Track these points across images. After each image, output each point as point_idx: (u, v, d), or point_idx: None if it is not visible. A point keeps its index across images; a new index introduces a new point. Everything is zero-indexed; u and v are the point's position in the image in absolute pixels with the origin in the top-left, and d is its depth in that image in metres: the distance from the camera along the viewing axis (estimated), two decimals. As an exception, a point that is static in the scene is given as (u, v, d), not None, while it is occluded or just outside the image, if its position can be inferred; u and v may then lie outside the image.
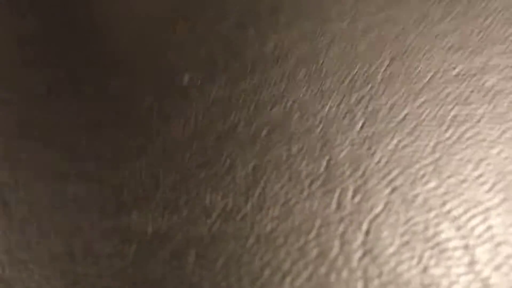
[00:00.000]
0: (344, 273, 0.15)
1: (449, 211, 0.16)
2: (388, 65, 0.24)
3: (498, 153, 0.18)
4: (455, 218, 0.16)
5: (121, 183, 0.18)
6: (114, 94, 0.23)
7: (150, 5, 0.29)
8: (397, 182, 0.18)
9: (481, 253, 0.15)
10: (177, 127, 0.21)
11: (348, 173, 0.18)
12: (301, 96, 0.22)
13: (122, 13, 0.29)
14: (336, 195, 0.17)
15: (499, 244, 0.15)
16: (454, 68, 0.23)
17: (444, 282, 0.14)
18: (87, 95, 0.22)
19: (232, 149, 0.19)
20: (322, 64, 0.24)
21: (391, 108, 0.21)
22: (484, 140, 0.19)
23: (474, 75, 0.22)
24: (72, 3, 0.29)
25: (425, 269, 0.15)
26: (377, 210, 0.17)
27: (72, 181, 0.18)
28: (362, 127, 0.20)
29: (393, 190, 0.17)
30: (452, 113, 0.20)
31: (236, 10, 0.29)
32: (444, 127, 0.20)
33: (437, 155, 0.19)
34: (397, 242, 0.15)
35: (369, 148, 0.19)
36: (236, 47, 0.26)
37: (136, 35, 0.27)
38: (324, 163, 0.19)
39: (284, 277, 0.15)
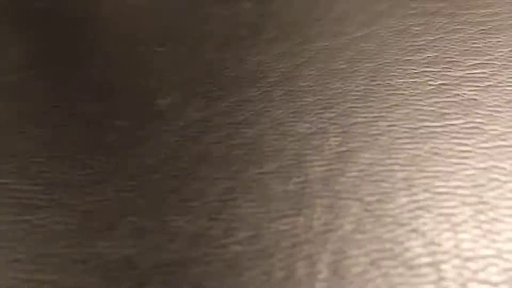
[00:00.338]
0: (307, 295, 0.14)
1: (418, 227, 0.16)
2: (366, 82, 0.23)
3: (471, 167, 0.18)
4: (424, 234, 0.16)
5: (89, 210, 0.18)
6: (87, 118, 0.23)
7: (128, 28, 0.30)
8: (367, 199, 0.17)
9: (449, 269, 0.15)
10: (151, 151, 0.21)
11: (320, 191, 0.18)
12: (277, 115, 0.22)
13: (99, 37, 0.29)
14: (305, 214, 0.17)
15: (467, 260, 0.15)
16: (431, 82, 0.23)
17: (410, 301, 0.14)
18: (59, 121, 0.23)
19: (204, 172, 0.19)
20: (299, 82, 0.24)
21: (366, 125, 0.21)
22: (457, 154, 0.19)
23: (451, 89, 0.22)
24: (49, 27, 0.30)
25: (392, 288, 0.14)
26: (346, 229, 0.16)
27: (39, 210, 0.18)
28: (337, 144, 0.20)
29: (364, 207, 0.17)
30: (427, 127, 0.20)
31: (217, 32, 0.29)
32: (418, 141, 0.20)
33: (409, 170, 0.18)
34: (364, 260, 0.15)
35: (344, 166, 0.19)
36: (215, 69, 0.26)
37: (113, 58, 0.27)
38: (296, 182, 0.18)
39: (246, 300, 0.14)
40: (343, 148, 0.20)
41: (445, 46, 0.25)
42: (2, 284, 0.15)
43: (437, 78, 0.23)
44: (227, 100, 0.24)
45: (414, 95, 0.22)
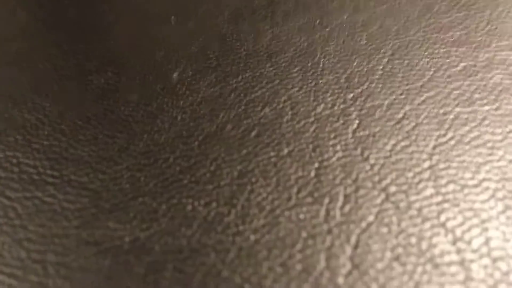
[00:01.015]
0: (328, 292, 0.14)
1: (445, 222, 0.15)
2: (388, 61, 0.22)
3: (500, 158, 0.17)
4: (452, 230, 0.15)
5: (99, 188, 0.17)
6: (97, 91, 0.22)
7: (140, 0, 0.28)
8: (391, 190, 0.16)
9: (478, 269, 0.14)
10: (162, 128, 0.20)
11: (339, 179, 0.17)
12: (294, 94, 0.21)
13: (111, 9, 0.28)
14: (325, 203, 0.16)
15: (497, 260, 0.14)
16: (458, 64, 0.22)
17: (437, 301, 0.13)
18: (70, 93, 0.21)
19: (218, 153, 0.18)
20: (318, 59, 0.23)
21: (388, 108, 0.20)
22: (486, 143, 0.18)
23: (479, 71, 0.21)
24: (62, 1, 0.29)
25: (416, 286, 0.14)
26: (368, 220, 0.16)
27: (48, 186, 0.17)
28: (356, 128, 0.19)
29: (386, 198, 0.16)
30: (454, 113, 0.19)
31: (231, 3, 0.28)
32: (444, 129, 0.19)
33: (435, 159, 0.18)
34: (388, 256, 0.14)
35: (363, 152, 0.18)
36: (229, 43, 0.24)
37: (125, 31, 0.26)
38: (314, 168, 0.17)
39: (264, 295, 0.14)
40: (364, 132, 0.19)
41: (472, 25, 0.24)
42: (16, 265, 0.14)
43: (464, 59, 0.22)
44: (241, 75, 0.22)
45: (440, 77, 0.21)
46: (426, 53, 0.22)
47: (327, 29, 0.25)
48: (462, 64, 0.21)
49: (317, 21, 0.25)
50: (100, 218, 0.16)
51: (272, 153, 0.18)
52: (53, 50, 0.24)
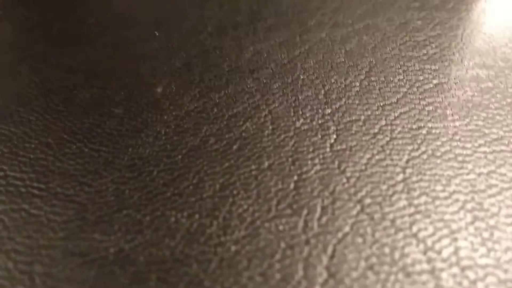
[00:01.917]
0: (306, 300, 0.14)
1: (417, 233, 0.16)
2: (364, 77, 0.23)
3: (470, 171, 0.18)
4: (423, 240, 0.16)
5: (85, 201, 0.18)
6: (83, 105, 0.22)
7: (123, 11, 0.29)
8: (366, 201, 0.17)
9: (447, 277, 0.15)
10: (146, 142, 0.20)
11: (317, 191, 0.18)
12: (274, 109, 0.22)
13: (97, 24, 0.28)
14: (304, 215, 0.17)
15: (465, 268, 0.15)
16: (431, 81, 0.22)
17: (408, 308, 0.14)
18: (56, 107, 0.22)
19: (201, 166, 0.19)
20: (298, 75, 0.24)
21: (364, 123, 0.21)
22: (456, 157, 0.19)
23: (451, 88, 0.22)
24: (48, 12, 0.29)
25: (389, 294, 0.14)
26: (344, 231, 0.16)
27: (35, 198, 0.18)
28: (334, 142, 0.20)
29: (361, 210, 0.17)
30: (426, 128, 0.20)
31: (214, 19, 0.28)
32: (417, 143, 0.19)
33: (408, 172, 0.18)
34: (362, 265, 0.15)
35: (340, 165, 0.19)
36: (212, 58, 0.25)
37: (110, 45, 0.26)
38: (293, 181, 0.18)
39: (244, 303, 0.14)
40: (342, 146, 0.20)
41: (445, 43, 0.25)
42: (3, 276, 0.15)
43: (437, 76, 0.23)
44: (223, 90, 0.23)
45: (413, 93, 0.22)
46: (401, 70, 0.23)
47: (307, 46, 0.26)
48: (435, 81, 0.22)
49: (297, 38, 0.26)
50: (85, 230, 0.17)
51: (253, 166, 0.19)
52: (39, 63, 0.25)
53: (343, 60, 0.24)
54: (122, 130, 0.21)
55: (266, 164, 0.19)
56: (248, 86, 0.23)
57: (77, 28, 0.28)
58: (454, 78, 0.23)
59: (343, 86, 0.23)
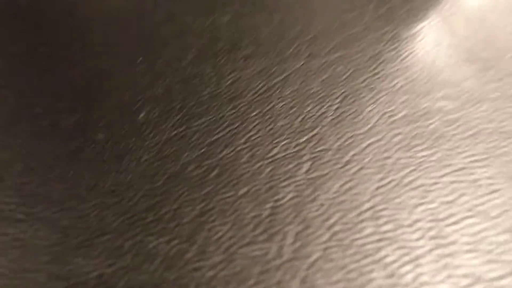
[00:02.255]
0: (277, 323, 0.15)
1: (382, 258, 0.17)
2: (337, 108, 0.24)
3: (433, 200, 0.19)
4: (387, 265, 0.17)
5: (68, 226, 0.18)
6: (67, 130, 0.23)
7: (105, 39, 0.30)
8: (336, 228, 0.18)
9: (408, 301, 0.16)
10: (128, 167, 0.21)
11: (290, 218, 0.19)
12: (252, 137, 0.23)
13: (82, 49, 0.29)
14: (277, 241, 0.18)
15: (425, 293, 0.16)
16: (400, 112, 0.24)
17: (372, 331, 0.15)
18: (41, 132, 0.23)
19: (180, 192, 0.20)
20: (275, 104, 0.25)
21: (336, 152, 0.22)
22: (421, 186, 0.20)
23: (418, 119, 0.23)
24: (32, 36, 0.30)
25: (355, 317, 0.15)
26: (315, 256, 0.17)
27: (20, 223, 0.18)
28: (308, 170, 0.21)
29: (331, 236, 0.18)
30: (394, 157, 0.21)
31: (195, 47, 0.29)
32: (384, 172, 0.21)
33: (375, 201, 0.20)
34: (331, 289, 0.16)
35: (313, 193, 0.20)
36: (193, 85, 0.26)
37: (94, 71, 0.27)
38: (268, 208, 0.19)
39: (219, 326, 0.15)
40: (315, 174, 0.21)
41: (414, 74, 0.26)
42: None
43: (405, 108, 0.24)
44: (203, 117, 0.24)
45: (383, 124, 0.23)
46: (372, 101, 0.25)
47: (284, 75, 0.27)
48: (403, 112, 0.24)
49: (275, 67, 0.28)
50: (68, 254, 0.18)
51: (230, 193, 0.20)
52: (25, 88, 0.26)
53: (318, 89, 0.26)
54: (105, 156, 0.22)
55: (243, 191, 0.20)
56: (227, 114, 0.24)
57: (62, 53, 0.28)
58: (421, 110, 0.24)
59: (318, 115, 0.24)
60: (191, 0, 0.34)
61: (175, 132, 0.23)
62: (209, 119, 0.24)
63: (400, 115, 0.24)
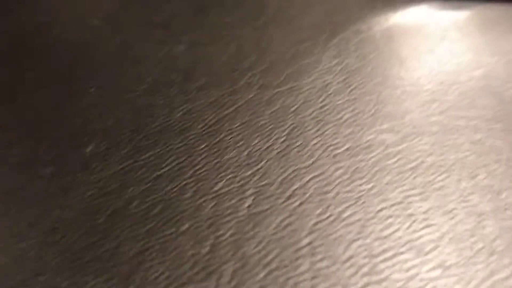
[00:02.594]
0: None
1: (315, 296, 0.18)
2: (284, 140, 0.25)
3: (369, 235, 0.20)
4: (319, 304, 0.17)
5: (8, 264, 0.18)
6: (15, 164, 0.23)
7: (56, 67, 0.30)
8: (273, 265, 0.19)
9: None
10: (71, 203, 0.21)
11: (229, 255, 0.19)
12: (197, 171, 0.23)
13: (33, 78, 0.29)
14: (214, 279, 0.18)
15: (353, 332, 0.16)
16: (343, 145, 0.24)
17: None
18: (-14, 168, 0.23)
19: (122, 229, 0.20)
20: (223, 137, 0.25)
21: (279, 186, 0.22)
22: (358, 220, 0.21)
23: (360, 152, 0.24)
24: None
25: None
26: (249, 295, 0.18)
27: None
28: (250, 205, 0.21)
29: (268, 273, 0.18)
30: (334, 191, 0.22)
31: (149, 77, 0.30)
32: (324, 207, 0.21)
33: (314, 236, 0.20)
34: (263, 329, 0.17)
35: (253, 228, 0.20)
36: (143, 117, 0.27)
37: (45, 101, 0.27)
38: (208, 245, 0.20)
39: None
40: (257, 210, 0.21)
41: (360, 107, 0.27)
42: None
43: (349, 141, 0.25)
44: (152, 150, 0.24)
45: (326, 157, 0.24)
46: (317, 134, 0.25)
47: (235, 106, 0.27)
48: (347, 145, 0.24)
49: (227, 98, 0.28)
50: (4, 295, 0.18)
51: (171, 230, 0.20)
52: (-28, 121, 0.25)
53: (267, 122, 0.26)
54: (49, 191, 0.22)
55: (184, 227, 0.20)
56: (176, 147, 0.25)
57: (12, 84, 0.28)
58: (364, 143, 0.25)
59: (264, 148, 0.25)
60: (147, 29, 0.35)
61: (122, 166, 0.24)
62: (157, 152, 0.24)
63: (343, 148, 0.24)
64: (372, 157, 0.24)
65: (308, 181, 0.23)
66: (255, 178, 0.23)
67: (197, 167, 0.23)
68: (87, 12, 0.37)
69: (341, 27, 0.33)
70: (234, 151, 0.24)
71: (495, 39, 0.31)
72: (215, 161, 0.24)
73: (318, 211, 0.21)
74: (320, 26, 0.34)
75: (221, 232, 0.20)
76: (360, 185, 0.22)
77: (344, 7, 0.35)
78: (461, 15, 0.33)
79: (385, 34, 0.33)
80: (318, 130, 0.25)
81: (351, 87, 0.29)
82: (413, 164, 0.23)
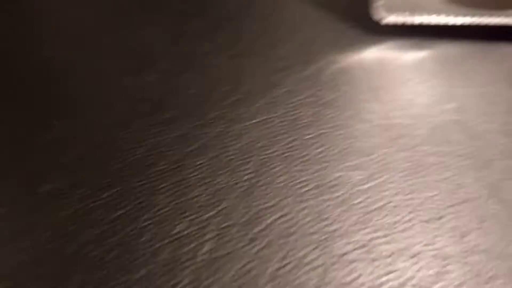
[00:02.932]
0: None
1: None
2: (250, 177, 0.24)
3: (332, 280, 0.19)
4: None
5: None
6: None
7: (23, 100, 0.29)
8: (228, 316, 0.18)
9: None
10: (24, 248, 0.21)
11: (183, 304, 0.18)
12: (157, 212, 0.22)
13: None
14: (165, 332, 0.17)
15: None
16: (309, 184, 0.24)
17: None
18: None
19: (76, 276, 0.19)
20: (187, 174, 0.25)
21: (242, 228, 0.22)
22: (322, 265, 0.20)
23: (326, 191, 0.23)
24: None
25: None
26: None
27: None
28: (210, 249, 0.21)
29: (222, 326, 0.18)
30: (298, 233, 0.21)
31: (116, 109, 0.29)
32: (287, 250, 0.21)
33: (275, 282, 0.19)
34: None
35: (212, 275, 0.20)
36: (107, 152, 0.26)
37: (5, 137, 0.26)
38: None
39: None
40: (216, 254, 0.20)
41: (327, 143, 0.26)
42: None
43: (315, 179, 0.24)
44: (112, 189, 0.24)
45: (291, 196, 0.23)
46: (284, 171, 0.25)
47: (202, 141, 0.27)
48: (313, 184, 0.24)
49: (195, 131, 0.27)
50: None
51: (126, 277, 0.19)
52: None
53: (233, 158, 0.25)
54: (2, 236, 0.21)
55: (140, 274, 0.20)
56: (138, 185, 0.24)
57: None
58: (332, 181, 0.24)
59: (229, 186, 0.24)
60: (119, 57, 0.34)
61: (80, 206, 0.23)
62: (117, 191, 0.24)
63: (310, 187, 0.24)
64: (338, 196, 0.23)
65: (271, 223, 0.22)
66: (217, 219, 0.22)
67: (158, 208, 0.23)
68: (55, 38, 0.36)
69: (315, 58, 0.33)
70: (198, 189, 0.24)
71: (467, 72, 0.30)
72: (177, 201, 0.23)
73: (280, 256, 0.20)
74: (295, 55, 0.33)
75: (177, 279, 0.19)
76: (325, 226, 0.22)
77: (320, 37, 0.35)
78: (435, 50, 0.32)
79: (359, 65, 0.32)
80: (285, 167, 0.25)
81: (322, 121, 0.28)
82: (379, 204, 0.23)
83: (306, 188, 0.24)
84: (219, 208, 0.23)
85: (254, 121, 0.28)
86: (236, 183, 0.24)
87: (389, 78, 0.31)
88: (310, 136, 0.27)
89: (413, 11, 0.32)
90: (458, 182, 0.23)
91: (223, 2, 0.40)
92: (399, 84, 0.31)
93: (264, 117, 0.28)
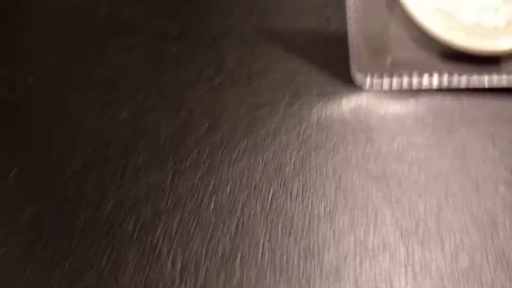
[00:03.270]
0: None
1: None
2: (228, 239, 0.22)
3: None
4: None
5: None
6: None
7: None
8: None
9: None
10: None
11: None
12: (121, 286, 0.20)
13: None
14: None
15: None
16: (298, 243, 0.21)
17: None
18: None
19: None
20: (158, 236, 0.22)
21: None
22: None
23: (315, 253, 0.21)
24: None
25: None
26: None
27: None
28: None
29: None
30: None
31: (82, 154, 0.26)
32: None
33: None
34: None
35: None
36: (67, 210, 0.23)
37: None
38: None
39: None
40: None
41: (318, 193, 0.24)
42: None
43: (304, 237, 0.22)
44: (71, 257, 0.21)
45: (274, 263, 0.20)
46: (266, 232, 0.22)
47: (176, 195, 0.24)
48: (302, 244, 0.21)
49: (168, 182, 0.25)
50: None
51: None
52: None
53: (210, 217, 0.23)
54: None
55: None
56: (100, 251, 0.21)
57: None
58: (320, 239, 0.21)
59: (205, 252, 0.21)
60: (89, 90, 0.31)
61: (35, 276, 0.20)
62: (78, 258, 0.21)
63: (297, 249, 0.21)
64: (328, 259, 0.20)
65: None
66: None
67: (121, 281, 0.20)
68: (21, 68, 0.33)
69: (303, 90, 0.30)
70: (168, 258, 0.21)
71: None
72: (143, 272, 0.20)
73: None
74: (281, 87, 0.31)
75: None
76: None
77: (308, 67, 0.32)
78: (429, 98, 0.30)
79: (351, 99, 0.30)
80: (267, 228, 0.22)
81: (310, 167, 0.25)
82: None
83: (292, 253, 0.21)
84: (192, 281, 0.20)
85: (235, 168, 0.25)
86: (214, 247, 0.21)
87: (383, 121, 0.28)
88: (297, 185, 0.24)
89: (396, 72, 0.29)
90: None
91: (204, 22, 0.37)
92: (397, 123, 0.28)
93: (247, 163, 0.26)
